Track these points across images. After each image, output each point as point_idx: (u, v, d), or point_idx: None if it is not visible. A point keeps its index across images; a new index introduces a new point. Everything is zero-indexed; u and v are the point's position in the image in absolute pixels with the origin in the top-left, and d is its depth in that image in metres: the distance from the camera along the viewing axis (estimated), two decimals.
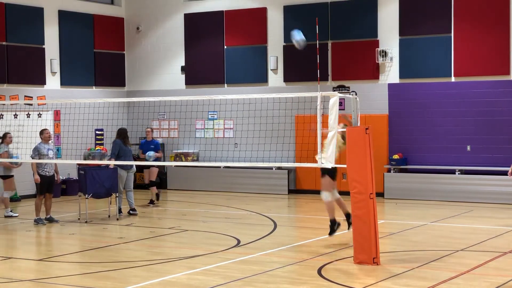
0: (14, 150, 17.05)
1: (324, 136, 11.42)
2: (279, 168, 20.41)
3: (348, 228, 12.75)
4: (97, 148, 21.94)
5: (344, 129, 11.71)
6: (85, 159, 21.13)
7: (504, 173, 18.34)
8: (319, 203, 19.05)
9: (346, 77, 20.21)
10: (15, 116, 20.03)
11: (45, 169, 15.34)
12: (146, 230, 14.76)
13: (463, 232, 14.20)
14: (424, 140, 19.39)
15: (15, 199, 18.89)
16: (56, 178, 15.63)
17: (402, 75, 19.62)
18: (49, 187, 15.51)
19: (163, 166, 22.39)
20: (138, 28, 23.18)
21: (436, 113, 19.17)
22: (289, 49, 20.90)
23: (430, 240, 13.21)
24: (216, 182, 20.67)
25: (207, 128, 22.14)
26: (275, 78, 21.20)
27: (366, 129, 10.95)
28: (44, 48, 20.95)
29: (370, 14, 19.90)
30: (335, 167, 12.06)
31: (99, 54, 22.51)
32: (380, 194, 18.53)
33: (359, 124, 11.74)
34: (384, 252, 11.61)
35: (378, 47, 19.69)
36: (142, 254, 12.23)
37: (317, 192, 20.10)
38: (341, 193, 19.51)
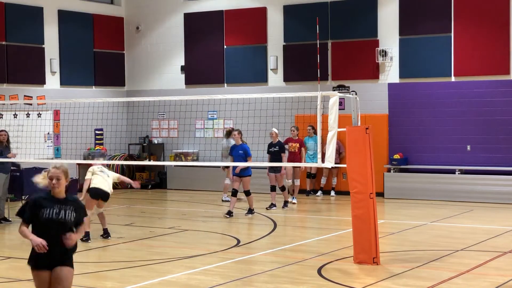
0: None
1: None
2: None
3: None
4: (96, 148, 21.93)
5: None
6: (84, 159, 21.12)
7: (504, 173, 18.38)
8: (319, 203, 19.05)
9: (346, 77, 20.19)
10: (15, 116, 20.02)
11: None
12: (146, 230, 14.75)
13: (463, 232, 14.19)
14: (424, 140, 19.37)
15: (13, 199, 18.81)
16: None
17: (402, 74, 19.61)
18: None
19: (163, 166, 22.41)
20: (138, 28, 23.17)
21: (436, 113, 19.16)
22: (289, 49, 20.90)
23: (430, 240, 13.20)
24: (216, 182, 20.64)
25: (206, 128, 22.13)
26: (275, 77, 21.19)
27: (366, 129, 10.95)
28: (43, 48, 20.94)
29: (370, 14, 19.89)
30: (96, 189, 13.27)
31: (99, 54, 22.50)
32: (380, 194, 18.51)
33: (359, 124, 11.73)
34: (384, 252, 11.60)
35: (378, 47, 19.68)
36: (142, 254, 12.22)
37: (317, 191, 20.14)
38: (341, 193, 19.64)
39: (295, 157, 18.15)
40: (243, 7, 21.56)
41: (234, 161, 16.31)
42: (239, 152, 16.26)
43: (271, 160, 17.30)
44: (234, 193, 16.25)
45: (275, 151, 17.32)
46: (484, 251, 11.93)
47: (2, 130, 16.01)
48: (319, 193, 20.09)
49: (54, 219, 6.73)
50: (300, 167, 18.30)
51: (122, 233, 14.24)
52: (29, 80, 20.52)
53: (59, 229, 6.72)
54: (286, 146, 18.38)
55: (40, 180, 7.01)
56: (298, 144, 18.47)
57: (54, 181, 6.81)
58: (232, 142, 17.44)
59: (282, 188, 17.58)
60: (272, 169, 17.50)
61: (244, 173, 16.24)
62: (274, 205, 17.48)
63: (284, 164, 17.38)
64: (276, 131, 17.51)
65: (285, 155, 17.43)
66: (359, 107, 12.10)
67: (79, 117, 19.46)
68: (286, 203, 17.66)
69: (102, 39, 22.62)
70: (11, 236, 14.47)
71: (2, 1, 19.97)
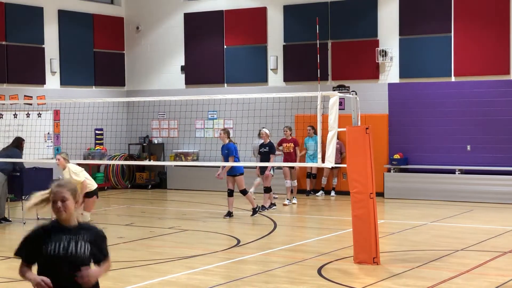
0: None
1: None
2: (279, 168, 20.38)
3: None
4: (97, 148, 21.93)
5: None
6: (85, 159, 21.12)
7: (504, 173, 18.38)
8: (319, 203, 19.05)
9: (346, 77, 20.19)
10: (15, 116, 20.02)
11: None
12: (146, 230, 14.75)
13: (463, 232, 14.19)
14: (424, 140, 19.37)
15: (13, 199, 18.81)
16: None
17: (402, 74, 19.61)
18: None
19: (163, 166, 22.41)
20: (137, 28, 23.17)
21: (436, 113, 19.16)
22: (289, 49, 20.90)
23: (430, 240, 13.20)
24: (216, 182, 20.61)
25: (207, 128, 22.13)
26: (275, 77, 21.18)
27: (366, 129, 10.95)
28: (44, 48, 20.94)
29: (370, 14, 19.89)
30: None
31: (98, 54, 22.49)
32: (380, 194, 18.50)
33: (359, 124, 11.73)
34: (384, 252, 11.60)
35: (378, 47, 19.68)
36: (142, 254, 12.22)
37: (317, 191, 20.13)
38: (341, 192, 19.65)
39: (290, 157, 18.05)
40: (243, 7, 21.56)
41: (224, 161, 16.16)
42: (225, 152, 16.10)
43: (261, 161, 17.18)
44: (230, 193, 16.20)
45: (265, 152, 17.18)
46: (484, 251, 11.93)
47: (23, 140, 16.19)
48: (320, 193, 20.07)
49: (62, 255, 5.07)
50: (294, 167, 18.21)
51: (122, 233, 14.24)
52: (29, 80, 20.52)
53: (70, 268, 5.07)
54: (281, 148, 18.31)
55: (32, 205, 5.18)
56: (292, 144, 18.26)
57: (59, 204, 5.04)
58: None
59: (267, 189, 17.30)
60: (261, 170, 17.43)
61: (232, 172, 16.09)
62: (274, 205, 17.47)
63: (280, 164, 17.33)
64: (267, 131, 17.32)
65: (273, 157, 17.23)
66: (359, 107, 12.10)
67: (79, 117, 19.47)
68: (263, 207, 17.09)
69: (102, 39, 22.61)
70: (11, 236, 14.47)
71: (2, 1, 19.97)
